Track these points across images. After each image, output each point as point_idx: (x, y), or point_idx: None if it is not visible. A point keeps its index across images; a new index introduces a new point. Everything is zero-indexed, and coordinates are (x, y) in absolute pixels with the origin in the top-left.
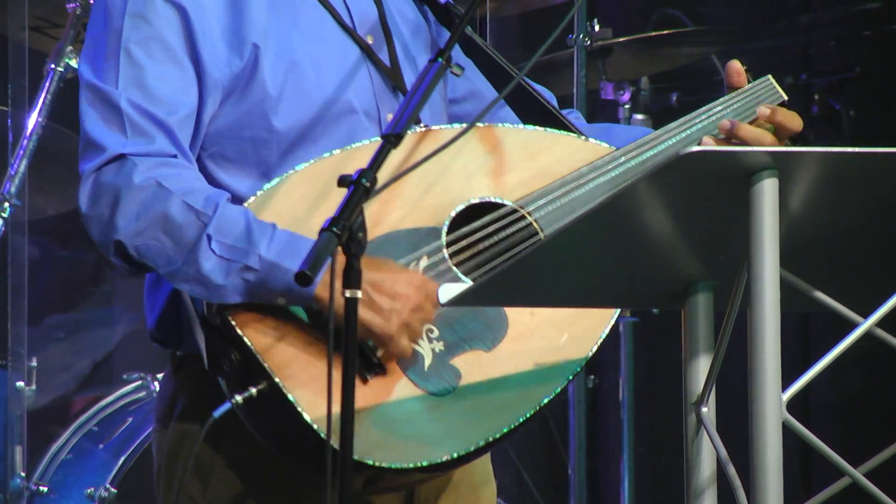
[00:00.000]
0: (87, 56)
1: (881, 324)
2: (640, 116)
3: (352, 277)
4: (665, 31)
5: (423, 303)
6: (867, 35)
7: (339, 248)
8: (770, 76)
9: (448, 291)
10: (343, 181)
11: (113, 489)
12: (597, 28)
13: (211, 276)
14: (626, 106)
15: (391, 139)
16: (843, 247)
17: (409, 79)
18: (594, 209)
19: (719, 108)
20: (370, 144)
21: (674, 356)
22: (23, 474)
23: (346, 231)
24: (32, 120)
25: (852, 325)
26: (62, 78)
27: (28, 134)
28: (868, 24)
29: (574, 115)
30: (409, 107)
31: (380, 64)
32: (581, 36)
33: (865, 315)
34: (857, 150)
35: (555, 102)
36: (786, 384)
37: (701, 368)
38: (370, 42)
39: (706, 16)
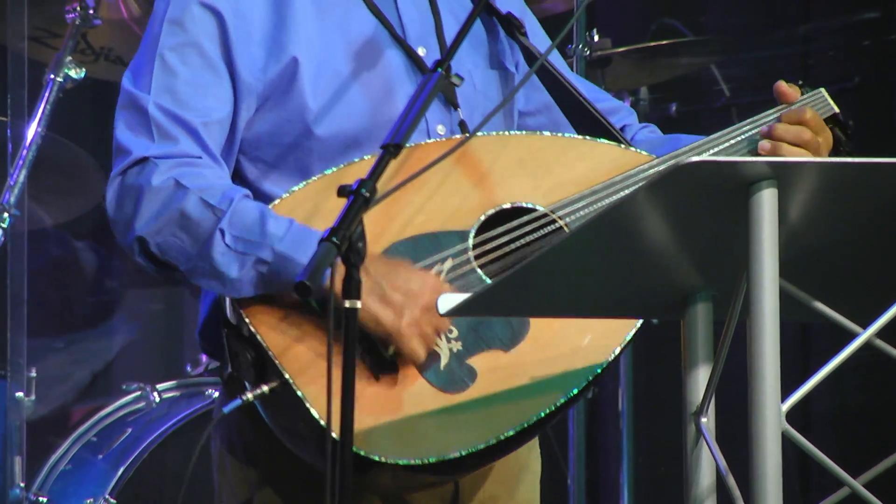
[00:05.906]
0: (131, 65)
1: (880, 334)
2: None
3: (351, 287)
4: (664, 41)
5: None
6: (866, 45)
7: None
8: (823, 89)
9: (447, 302)
10: (342, 191)
11: (112, 500)
12: (596, 38)
13: (225, 269)
14: None
15: (390, 149)
16: (843, 257)
17: (464, 91)
18: (594, 219)
19: (770, 118)
20: (406, 149)
21: (673, 366)
22: (22, 485)
23: (345, 241)
24: (32, 130)
25: (851, 336)
26: (61, 88)
27: (27, 144)
28: (867, 35)
29: (650, 129)
30: (408, 116)
31: None
32: (580, 46)
33: (865, 325)
34: (855, 160)
35: (634, 117)
36: (785, 394)
37: (700, 378)
38: (422, 53)
39: (705, 26)
